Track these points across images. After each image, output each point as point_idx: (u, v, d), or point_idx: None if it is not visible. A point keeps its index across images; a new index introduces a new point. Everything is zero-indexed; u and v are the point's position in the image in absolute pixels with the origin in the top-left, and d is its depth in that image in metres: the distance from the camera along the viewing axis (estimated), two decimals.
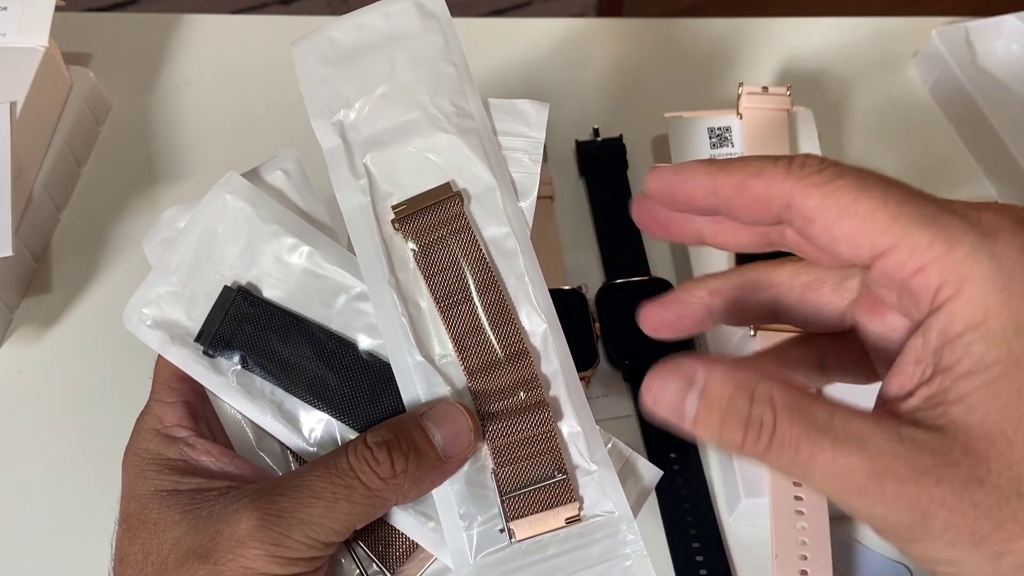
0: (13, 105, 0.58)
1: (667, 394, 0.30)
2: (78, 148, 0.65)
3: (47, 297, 0.59)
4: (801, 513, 0.47)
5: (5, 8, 0.62)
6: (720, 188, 0.32)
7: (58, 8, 0.62)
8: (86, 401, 0.55)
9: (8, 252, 0.52)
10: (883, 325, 0.33)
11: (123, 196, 0.64)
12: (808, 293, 0.35)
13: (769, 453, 0.29)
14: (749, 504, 0.48)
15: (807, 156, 0.31)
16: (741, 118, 0.60)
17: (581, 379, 0.52)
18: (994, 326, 0.27)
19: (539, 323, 0.38)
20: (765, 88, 0.60)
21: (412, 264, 0.38)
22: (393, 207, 0.39)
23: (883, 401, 0.30)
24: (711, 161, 0.32)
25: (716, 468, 0.52)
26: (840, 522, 0.49)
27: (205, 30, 0.74)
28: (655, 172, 0.33)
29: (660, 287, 0.57)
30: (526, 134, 0.40)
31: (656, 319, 0.36)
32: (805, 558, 0.46)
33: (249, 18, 0.80)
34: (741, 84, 0.60)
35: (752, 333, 0.51)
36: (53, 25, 0.62)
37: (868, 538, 0.50)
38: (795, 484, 0.47)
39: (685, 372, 0.30)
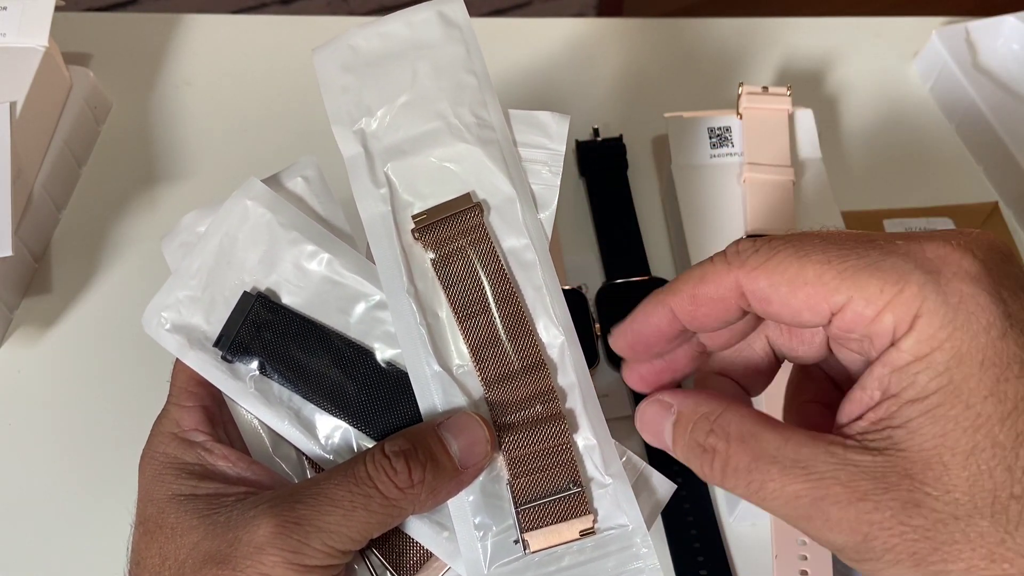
0: (13, 105, 0.57)
1: (650, 423, 0.34)
2: (78, 148, 0.65)
3: (47, 297, 0.59)
4: None
5: (5, 8, 0.61)
6: (677, 309, 0.33)
7: (58, 8, 0.62)
8: (86, 401, 0.55)
9: (8, 252, 0.52)
10: (844, 355, 0.33)
11: (123, 196, 0.64)
12: (790, 329, 0.35)
13: (725, 480, 0.31)
14: (749, 504, 0.48)
15: (739, 242, 0.32)
16: (741, 118, 0.60)
17: None
18: (938, 358, 0.28)
19: (556, 335, 0.38)
20: (765, 88, 0.60)
21: (431, 274, 0.38)
22: (413, 216, 0.39)
23: (836, 428, 0.31)
24: (655, 293, 0.34)
25: None
26: None
27: (205, 30, 0.74)
28: (614, 337, 0.35)
29: (660, 287, 0.57)
30: (546, 146, 0.40)
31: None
32: (805, 558, 0.46)
33: (249, 18, 0.80)
34: (741, 84, 0.60)
35: None
36: (53, 25, 0.61)
37: None
38: None
39: (664, 402, 0.33)
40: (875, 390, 0.30)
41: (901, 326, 0.29)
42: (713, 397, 0.33)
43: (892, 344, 0.29)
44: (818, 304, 0.30)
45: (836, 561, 0.46)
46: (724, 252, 0.32)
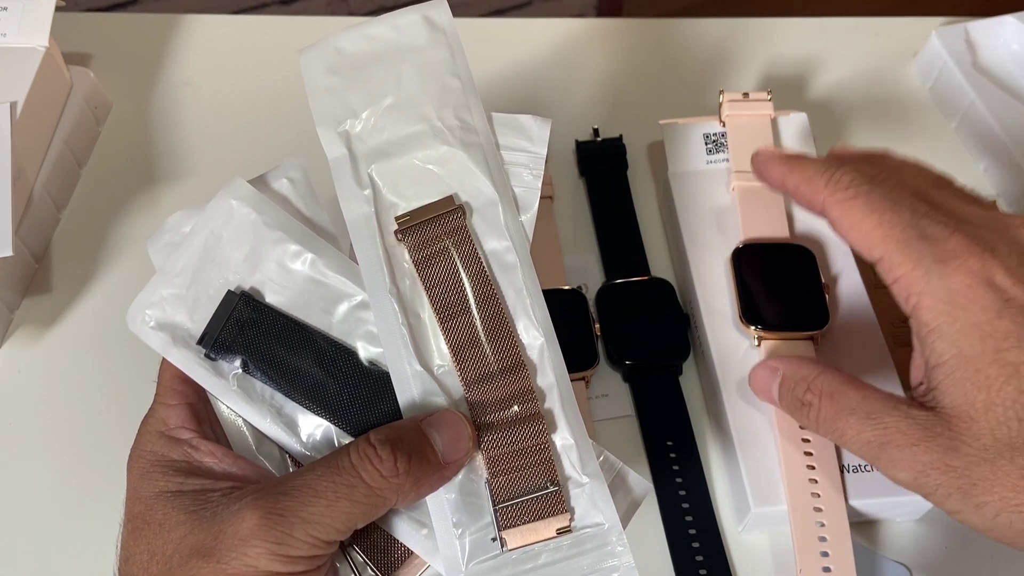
0: (13, 105, 0.58)
1: (760, 382, 0.46)
2: (78, 148, 0.65)
3: (47, 297, 0.59)
4: (822, 525, 0.46)
5: (5, 8, 0.62)
6: (786, 182, 0.44)
7: (58, 8, 0.62)
8: (86, 401, 0.55)
9: (8, 252, 0.52)
10: None
11: (123, 196, 0.64)
12: None
13: (818, 427, 0.41)
14: (759, 513, 0.47)
15: (845, 172, 0.41)
16: (724, 125, 0.60)
17: (581, 379, 0.53)
18: (945, 331, 0.37)
19: (536, 336, 0.38)
20: (746, 94, 0.59)
21: (413, 274, 0.39)
22: (396, 218, 0.40)
23: (912, 387, 0.40)
24: (789, 157, 0.44)
25: (724, 476, 0.51)
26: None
27: (205, 30, 0.74)
28: (755, 155, 0.46)
29: (660, 287, 0.57)
30: (528, 149, 0.41)
31: None
32: (828, 570, 0.45)
33: (249, 18, 0.80)
34: (722, 92, 0.60)
35: (756, 343, 0.51)
36: (53, 25, 0.61)
37: (869, 540, 0.50)
38: (813, 496, 0.46)
39: (772, 366, 0.45)
40: (920, 357, 0.39)
41: (911, 298, 0.38)
42: (811, 363, 0.43)
43: (910, 312, 0.38)
44: (863, 249, 0.40)
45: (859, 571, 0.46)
46: (832, 172, 0.41)
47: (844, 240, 0.41)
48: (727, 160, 0.59)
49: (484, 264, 0.39)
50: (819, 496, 0.47)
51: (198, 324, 0.39)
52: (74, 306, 0.59)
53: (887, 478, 0.38)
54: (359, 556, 0.38)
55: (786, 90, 0.71)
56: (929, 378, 0.38)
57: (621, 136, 0.66)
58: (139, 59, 0.72)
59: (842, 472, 0.47)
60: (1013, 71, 0.68)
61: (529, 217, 0.40)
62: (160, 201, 0.64)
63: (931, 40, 0.70)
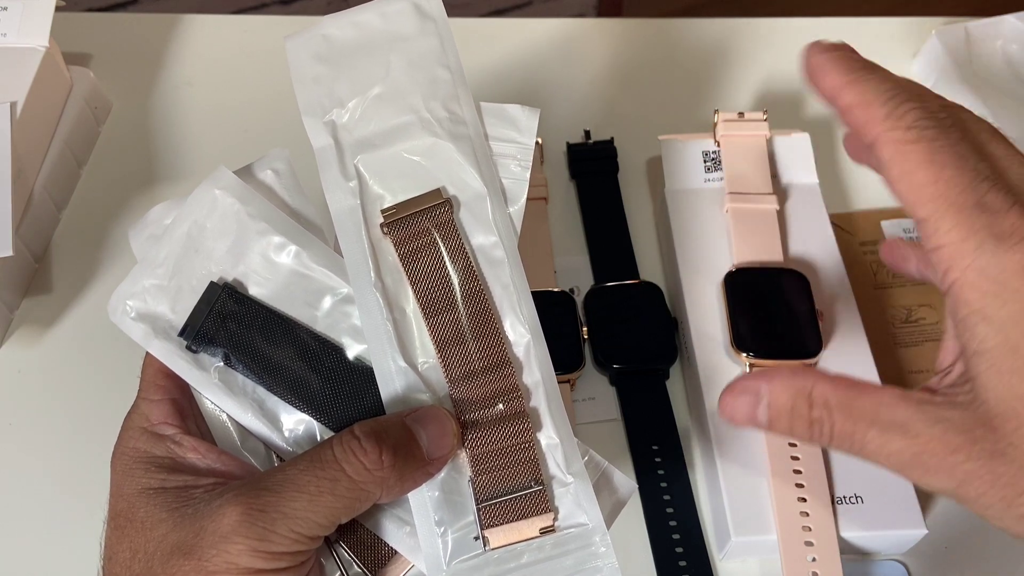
0: (13, 105, 0.58)
1: (740, 409, 0.37)
2: (78, 148, 0.65)
3: (47, 297, 0.59)
4: (810, 545, 0.45)
5: (5, 8, 0.62)
6: (839, 98, 0.35)
7: (58, 8, 0.62)
8: (86, 401, 0.55)
9: (8, 252, 0.52)
10: None
11: (123, 196, 0.64)
12: None
13: (832, 444, 0.35)
14: (739, 542, 0.47)
15: (910, 108, 0.34)
16: (719, 146, 0.59)
17: (566, 382, 0.52)
18: (991, 314, 0.32)
19: (523, 334, 0.38)
20: (741, 114, 0.59)
21: (399, 269, 0.38)
22: (382, 211, 0.39)
23: (937, 371, 0.35)
24: (853, 66, 0.36)
25: (705, 502, 0.51)
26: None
27: (205, 30, 0.74)
28: (810, 49, 0.37)
29: (649, 291, 0.57)
30: (516, 140, 0.40)
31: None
32: None
33: (249, 18, 0.80)
34: (716, 111, 0.59)
35: (748, 368, 0.50)
36: (53, 25, 0.62)
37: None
38: (805, 529, 0.46)
39: (751, 388, 0.37)
40: (953, 340, 0.34)
41: (952, 271, 0.33)
42: (798, 373, 0.36)
43: (948, 288, 0.33)
44: (907, 203, 0.34)
45: None
46: (898, 103, 0.34)
47: (885, 182, 0.35)
48: (724, 179, 0.58)
49: (471, 259, 0.38)
50: (810, 530, 0.46)
51: (180, 315, 0.39)
52: (74, 306, 0.59)
53: (918, 485, 0.36)
54: (345, 553, 0.38)
55: (785, 91, 0.71)
56: (968, 366, 0.33)
57: (612, 139, 0.66)
58: (139, 59, 0.72)
59: (833, 503, 0.46)
60: (1013, 71, 0.68)
61: (517, 209, 0.39)
62: (160, 201, 0.62)
63: (931, 40, 0.70)
